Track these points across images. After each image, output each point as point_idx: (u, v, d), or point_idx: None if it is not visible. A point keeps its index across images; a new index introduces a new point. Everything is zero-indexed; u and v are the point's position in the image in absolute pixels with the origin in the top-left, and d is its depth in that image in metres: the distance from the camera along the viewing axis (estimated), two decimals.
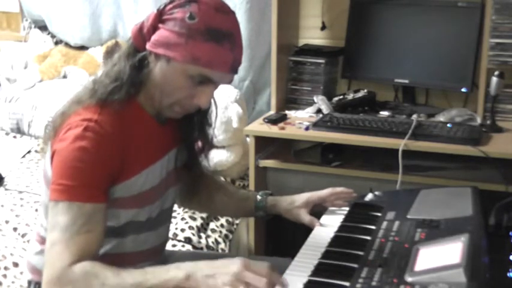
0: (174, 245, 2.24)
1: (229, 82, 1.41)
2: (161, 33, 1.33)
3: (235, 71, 1.38)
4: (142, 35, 1.36)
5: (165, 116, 1.43)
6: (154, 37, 1.34)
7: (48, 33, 3.60)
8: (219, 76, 1.35)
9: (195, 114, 1.48)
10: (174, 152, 1.50)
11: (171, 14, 1.33)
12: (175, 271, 1.22)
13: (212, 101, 1.48)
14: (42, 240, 1.46)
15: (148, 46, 1.35)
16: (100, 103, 1.34)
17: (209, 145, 1.57)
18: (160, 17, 1.34)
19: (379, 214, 1.57)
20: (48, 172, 1.37)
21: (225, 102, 2.64)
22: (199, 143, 1.57)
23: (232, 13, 1.38)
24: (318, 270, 1.29)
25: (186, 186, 1.62)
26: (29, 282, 1.56)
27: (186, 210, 2.39)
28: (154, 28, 1.34)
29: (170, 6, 1.34)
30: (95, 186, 1.30)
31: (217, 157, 2.67)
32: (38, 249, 1.50)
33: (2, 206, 2.44)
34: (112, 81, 1.35)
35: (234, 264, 1.19)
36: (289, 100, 2.70)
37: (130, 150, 1.36)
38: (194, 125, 1.51)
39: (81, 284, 1.22)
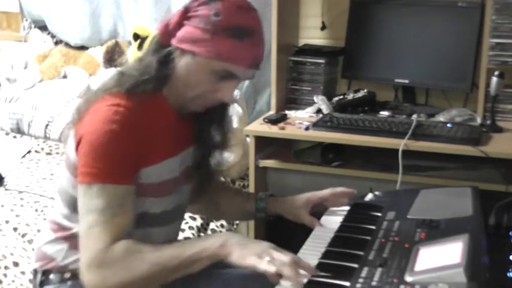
0: None
1: (252, 77, 1.46)
2: (187, 30, 1.38)
3: (257, 67, 1.43)
4: (168, 31, 1.40)
5: (187, 110, 1.46)
6: (179, 33, 1.38)
7: (48, 33, 3.59)
8: (242, 71, 1.40)
9: (216, 110, 1.51)
10: (193, 148, 1.53)
11: (196, 11, 1.37)
12: (212, 240, 1.31)
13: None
14: (58, 228, 1.48)
15: (174, 42, 1.39)
16: (127, 92, 1.38)
17: (226, 142, 1.59)
18: (185, 14, 1.39)
19: (379, 214, 1.57)
20: (72, 157, 1.40)
21: None
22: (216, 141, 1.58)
23: (254, 10, 1.42)
24: (318, 270, 1.29)
25: (197, 185, 1.62)
26: (35, 271, 1.54)
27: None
28: (180, 25, 1.39)
29: (195, 4, 1.39)
30: (126, 168, 1.35)
31: None
32: (52, 238, 1.50)
33: (2, 206, 2.44)
34: (140, 74, 1.40)
35: (264, 243, 1.30)
36: (289, 100, 2.70)
37: (152, 139, 1.40)
38: (213, 120, 1.54)
39: (123, 261, 1.28)
